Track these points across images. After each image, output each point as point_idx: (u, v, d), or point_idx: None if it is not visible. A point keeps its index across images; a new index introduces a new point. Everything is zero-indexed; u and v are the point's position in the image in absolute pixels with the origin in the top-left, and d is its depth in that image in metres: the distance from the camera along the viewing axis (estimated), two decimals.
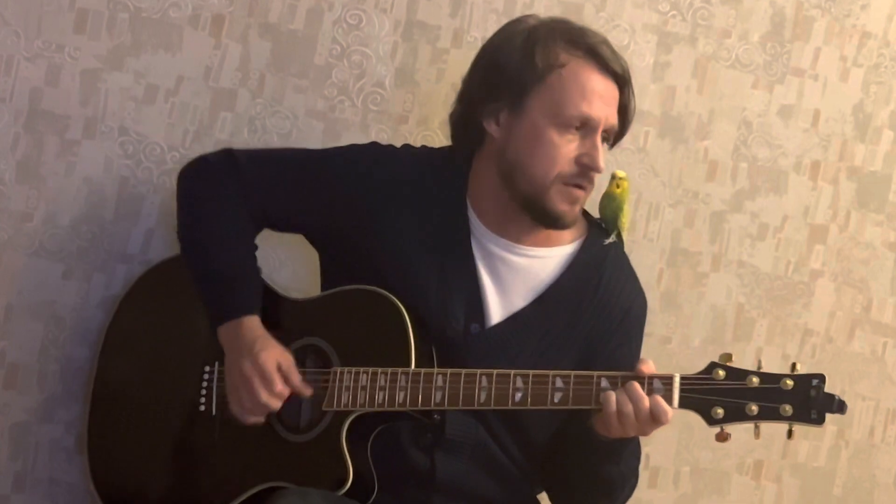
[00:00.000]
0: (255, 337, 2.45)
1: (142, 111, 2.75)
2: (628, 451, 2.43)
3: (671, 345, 2.99)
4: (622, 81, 2.47)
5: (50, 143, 2.72)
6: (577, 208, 2.48)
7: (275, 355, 2.43)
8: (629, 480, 2.50)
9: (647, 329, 2.64)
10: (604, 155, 2.45)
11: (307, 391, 2.43)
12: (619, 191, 2.59)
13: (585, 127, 2.43)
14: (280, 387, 2.41)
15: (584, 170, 2.43)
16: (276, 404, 2.42)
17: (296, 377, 2.43)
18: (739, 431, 3.00)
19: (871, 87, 3.04)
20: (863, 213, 3.07)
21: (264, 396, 2.40)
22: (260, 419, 2.44)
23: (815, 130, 3.03)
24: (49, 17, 2.69)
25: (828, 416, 2.92)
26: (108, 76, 2.73)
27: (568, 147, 2.43)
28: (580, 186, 2.45)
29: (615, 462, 2.42)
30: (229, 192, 2.56)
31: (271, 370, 2.41)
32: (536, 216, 2.47)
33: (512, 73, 2.45)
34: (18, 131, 2.70)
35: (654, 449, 2.98)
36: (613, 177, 2.59)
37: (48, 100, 2.71)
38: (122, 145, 2.75)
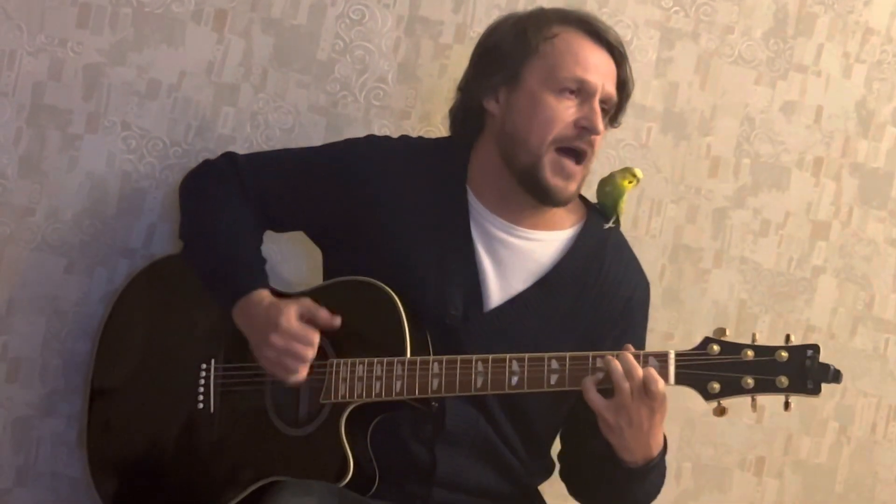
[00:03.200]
0: (267, 306, 2.44)
1: (144, 106, 2.76)
2: (654, 474, 2.42)
3: (673, 340, 2.99)
4: (618, 54, 2.49)
5: (52, 138, 2.72)
6: (572, 186, 2.47)
7: (292, 311, 2.41)
8: (651, 495, 2.49)
9: (649, 324, 2.65)
10: (603, 122, 2.46)
11: (336, 321, 2.42)
12: (629, 185, 2.59)
13: (582, 92, 2.44)
14: (311, 334, 2.40)
15: (582, 133, 2.44)
16: (312, 353, 2.40)
17: (322, 314, 2.42)
18: (741, 428, 3.02)
19: (873, 84, 3.04)
20: (865, 210, 3.06)
21: (310, 353, 2.39)
22: (303, 375, 2.41)
23: (818, 127, 3.03)
24: (52, 11, 2.70)
25: (830, 412, 2.93)
26: (110, 71, 2.74)
27: (566, 111, 2.44)
28: (575, 154, 2.45)
29: (640, 483, 2.42)
30: (232, 193, 2.57)
31: (298, 328, 2.40)
32: (532, 190, 2.47)
33: (506, 50, 2.49)
34: (21, 126, 2.71)
35: None
36: (633, 175, 2.58)
37: (51, 94, 2.71)
38: (124, 140, 2.76)
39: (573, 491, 2.60)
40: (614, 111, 2.53)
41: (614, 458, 2.37)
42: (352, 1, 2.82)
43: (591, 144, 2.46)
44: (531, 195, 2.48)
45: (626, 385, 2.27)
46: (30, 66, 2.70)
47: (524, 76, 2.47)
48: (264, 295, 2.47)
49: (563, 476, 2.61)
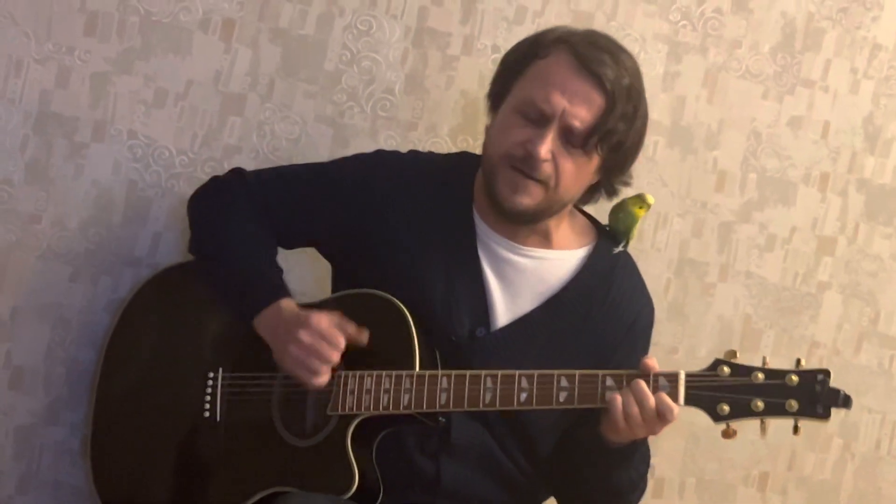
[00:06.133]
0: (297, 311, 2.44)
1: (151, 115, 2.75)
2: (638, 457, 2.43)
3: (677, 354, 2.99)
4: (606, 91, 2.40)
5: (59, 146, 2.72)
6: (527, 200, 2.43)
7: (323, 315, 2.41)
8: (638, 486, 2.50)
9: (653, 339, 2.65)
10: (564, 153, 2.40)
11: (364, 337, 2.41)
12: (642, 212, 2.58)
13: (540, 117, 2.40)
14: (340, 338, 2.39)
15: (525, 156, 2.41)
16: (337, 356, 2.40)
17: (350, 326, 2.41)
18: (745, 444, 3.02)
19: (881, 100, 3.04)
20: (871, 226, 3.06)
21: (335, 356, 2.38)
22: (326, 378, 2.39)
23: (825, 142, 3.03)
24: (59, 19, 2.69)
25: (834, 429, 2.92)
26: (117, 79, 2.73)
27: (521, 131, 2.41)
28: (524, 174, 2.41)
29: (625, 467, 2.42)
30: (242, 208, 2.57)
31: (328, 329, 2.39)
32: (490, 201, 2.47)
33: (506, 67, 2.50)
34: (28, 133, 2.70)
35: (660, 459, 2.97)
36: (644, 201, 2.57)
37: (58, 102, 2.71)
38: (130, 148, 2.75)
39: (557, 490, 2.59)
40: (610, 162, 2.46)
41: (599, 439, 2.36)
42: (359, 12, 2.82)
43: (535, 169, 2.40)
44: (494, 209, 2.48)
45: (635, 410, 2.27)
46: (37, 74, 2.69)
47: (510, 95, 2.47)
48: (292, 304, 2.47)
49: (547, 475, 2.59)
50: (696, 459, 3.03)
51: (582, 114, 2.40)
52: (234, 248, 2.54)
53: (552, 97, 2.40)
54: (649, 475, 2.76)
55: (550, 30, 2.49)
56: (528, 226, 2.50)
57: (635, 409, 2.26)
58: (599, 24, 2.88)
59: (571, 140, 2.42)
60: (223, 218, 2.56)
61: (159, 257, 2.77)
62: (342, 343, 2.39)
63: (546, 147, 2.40)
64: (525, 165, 2.41)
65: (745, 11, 2.96)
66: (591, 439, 2.39)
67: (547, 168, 2.41)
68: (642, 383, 2.27)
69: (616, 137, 2.43)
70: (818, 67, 3.01)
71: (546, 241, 2.53)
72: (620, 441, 2.34)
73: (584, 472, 2.46)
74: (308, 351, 2.38)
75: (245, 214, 2.56)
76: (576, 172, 2.45)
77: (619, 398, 2.28)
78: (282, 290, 2.49)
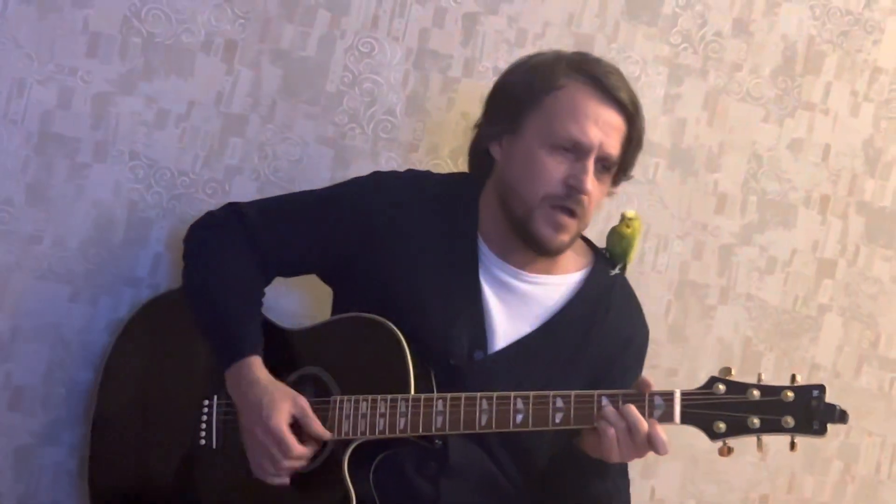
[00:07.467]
0: (261, 390, 2.41)
1: (152, 135, 2.76)
2: (614, 469, 2.43)
3: (677, 377, 2.98)
4: (628, 113, 2.45)
5: (60, 166, 2.72)
6: (566, 237, 2.46)
7: (286, 410, 2.39)
8: (615, 498, 2.49)
9: (653, 361, 2.65)
10: (595, 181, 2.42)
11: (327, 434, 2.39)
12: (629, 231, 2.59)
13: (577, 150, 2.42)
14: (298, 449, 2.38)
15: (571, 192, 2.42)
16: (298, 464, 2.39)
17: (314, 425, 2.39)
18: (744, 466, 3.01)
19: (881, 123, 3.05)
20: (872, 249, 3.06)
21: (286, 464, 2.38)
22: (285, 481, 2.40)
23: (825, 165, 3.03)
24: (62, 40, 2.69)
25: (834, 451, 2.91)
26: (119, 100, 2.73)
27: (557, 168, 2.42)
28: (568, 210, 2.43)
29: (602, 478, 2.42)
30: (237, 244, 2.56)
31: (285, 434, 2.37)
32: (525, 239, 2.47)
33: (512, 96, 2.48)
34: (29, 154, 2.70)
35: (659, 482, 2.97)
36: (623, 217, 2.58)
37: (59, 123, 2.71)
38: (132, 169, 2.75)
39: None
40: (619, 167, 2.49)
41: (575, 450, 2.38)
42: (361, 33, 2.82)
43: (580, 203, 2.43)
44: (525, 244, 2.48)
45: (628, 438, 2.27)
46: (39, 95, 2.70)
47: (525, 127, 2.46)
48: (257, 368, 2.44)
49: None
50: (695, 482, 3.03)
51: (615, 142, 2.44)
52: (217, 293, 2.52)
53: (589, 130, 2.41)
54: (649, 497, 2.77)
55: (548, 59, 2.49)
56: (547, 256, 2.50)
57: (626, 435, 2.26)
58: (600, 47, 2.88)
59: (605, 167, 2.45)
60: (214, 258, 2.55)
61: (159, 278, 2.77)
62: (300, 453, 2.38)
63: (591, 180, 2.42)
64: (568, 201, 2.43)
65: (746, 35, 2.97)
66: (567, 449, 2.40)
67: (586, 200, 2.43)
68: (633, 409, 2.26)
69: (637, 153, 2.50)
70: (819, 90, 3.01)
71: (550, 267, 2.54)
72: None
73: (561, 483, 2.46)
74: (263, 452, 2.39)
75: (239, 254, 2.55)
76: (600, 196, 2.48)
77: (611, 430, 2.27)
78: (248, 348, 2.46)
